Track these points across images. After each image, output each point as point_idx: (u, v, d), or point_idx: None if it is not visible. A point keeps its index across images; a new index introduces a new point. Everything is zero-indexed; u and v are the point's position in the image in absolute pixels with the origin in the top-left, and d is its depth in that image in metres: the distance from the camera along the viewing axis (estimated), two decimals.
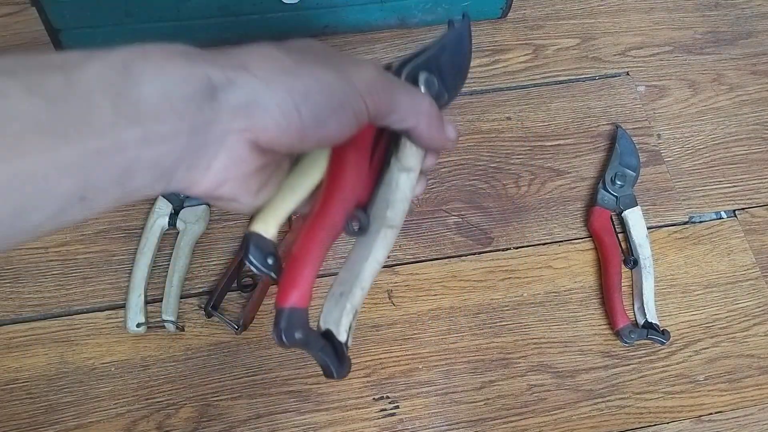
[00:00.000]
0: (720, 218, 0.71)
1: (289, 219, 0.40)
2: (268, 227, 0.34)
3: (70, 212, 0.26)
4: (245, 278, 0.64)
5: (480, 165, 0.71)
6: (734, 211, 0.71)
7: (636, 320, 0.65)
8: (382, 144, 0.37)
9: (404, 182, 0.37)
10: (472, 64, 0.79)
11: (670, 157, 0.73)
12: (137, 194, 0.28)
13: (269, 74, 0.29)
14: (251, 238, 0.33)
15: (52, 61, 0.26)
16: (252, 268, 0.33)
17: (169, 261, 0.63)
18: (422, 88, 0.38)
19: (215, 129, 0.28)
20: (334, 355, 0.35)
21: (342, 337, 0.35)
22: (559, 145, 0.73)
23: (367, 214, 0.36)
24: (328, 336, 0.35)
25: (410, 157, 0.38)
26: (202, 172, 0.29)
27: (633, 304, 0.66)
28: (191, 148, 0.28)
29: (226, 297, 0.63)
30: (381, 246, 0.36)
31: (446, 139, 0.39)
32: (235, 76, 0.29)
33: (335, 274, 0.39)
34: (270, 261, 0.34)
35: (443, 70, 0.39)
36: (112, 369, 0.60)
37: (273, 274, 0.34)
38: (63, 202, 0.26)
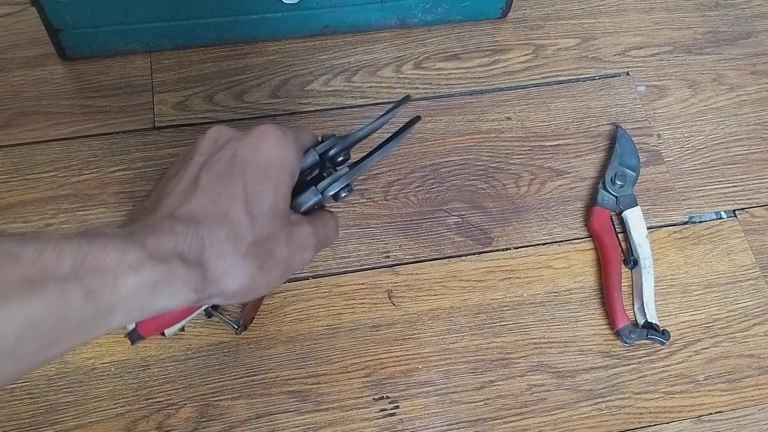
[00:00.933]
0: (720, 218, 0.71)
1: None
2: None
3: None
4: None
5: (480, 165, 0.71)
6: (734, 211, 0.71)
7: (636, 320, 0.65)
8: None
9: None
10: (472, 63, 0.80)
11: (670, 157, 0.73)
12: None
13: (234, 291, 0.39)
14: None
15: (110, 263, 0.32)
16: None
17: None
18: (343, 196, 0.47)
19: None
20: None
21: None
22: (559, 145, 0.73)
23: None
24: None
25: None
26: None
27: (633, 304, 0.66)
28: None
29: None
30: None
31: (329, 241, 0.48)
32: (216, 290, 0.39)
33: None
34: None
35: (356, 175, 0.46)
36: (112, 369, 0.60)
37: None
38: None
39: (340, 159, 0.46)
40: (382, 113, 0.46)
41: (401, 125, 0.47)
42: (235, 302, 0.41)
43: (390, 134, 0.47)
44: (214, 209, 0.38)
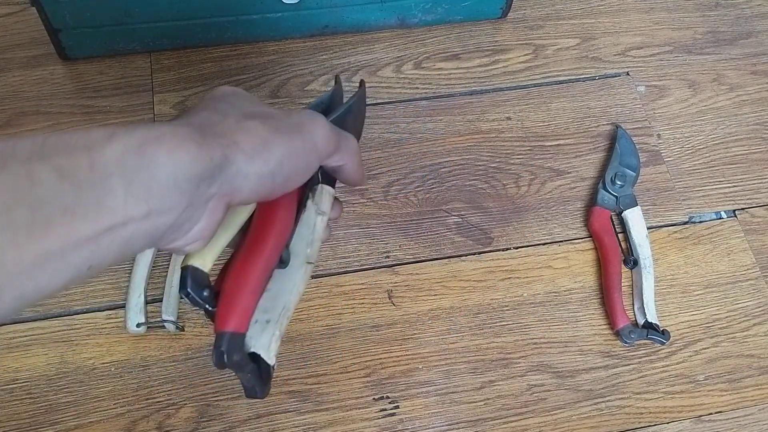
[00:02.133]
0: (720, 218, 0.71)
1: None
2: (205, 261, 0.36)
3: (77, 280, 0.29)
4: None
5: (480, 165, 0.71)
6: (734, 211, 0.71)
7: (636, 320, 0.65)
8: (300, 188, 0.40)
9: (320, 224, 0.41)
10: (472, 63, 0.80)
11: (670, 157, 0.73)
12: (127, 257, 0.33)
13: (252, 147, 0.33)
14: (189, 271, 0.35)
15: (78, 141, 0.28)
16: (188, 300, 0.35)
17: (169, 261, 0.63)
18: None
19: (206, 199, 0.32)
20: (259, 377, 0.39)
21: (271, 360, 0.38)
22: (559, 145, 0.73)
23: (288, 251, 0.39)
24: (255, 359, 0.38)
25: (326, 202, 0.42)
26: (182, 234, 0.32)
27: (633, 304, 0.66)
28: (183, 218, 0.31)
29: None
30: (302, 280, 0.40)
31: (364, 177, 0.44)
32: (230, 153, 0.32)
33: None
34: (206, 293, 0.36)
35: (349, 129, 0.43)
36: (112, 369, 0.60)
37: (209, 306, 0.36)
38: (75, 272, 0.29)
39: None
40: (327, 92, 0.47)
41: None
42: (258, 173, 0.34)
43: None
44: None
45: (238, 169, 0.32)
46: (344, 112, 0.44)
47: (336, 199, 0.44)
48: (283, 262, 0.39)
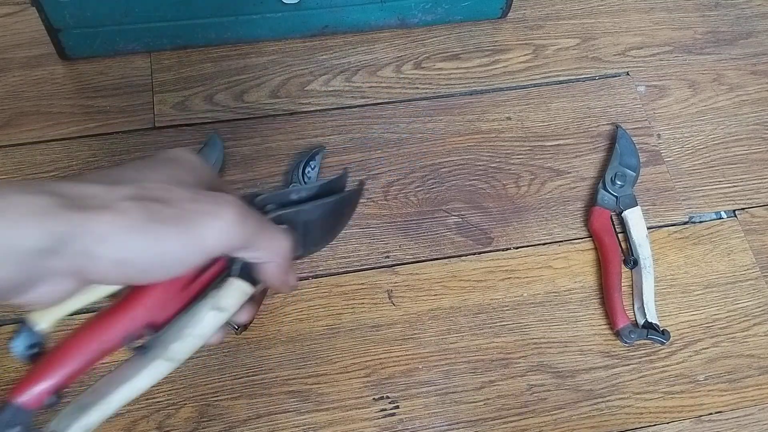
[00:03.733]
0: (720, 218, 0.71)
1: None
2: (42, 320, 0.35)
3: None
4: None
5: (480, 165, 0.71)
6: (734, 211, 0.71)
7: (636, 320, 0.65)
8: (211, 272, 0.37)
9: (209, 320, 0.36)
10: (472, 63, 0.80)
11: (670, 157, 0.73)
12: None
13: (110, 230, 0.31)
14: (22, 324, 0.34)
15: None
16: (12, 351, 0.34)
17: None
18: None
19: (51, 272, 0.31)
20: None
21: None
22: (559, 145, 0.73)
23: (155, 336, 0.36)
24: None
25: (229, 298, 0.36)
26: (23, 296, 0.32)
27: (633, 304, 0.66)
28: (22, 284, 0.31)
29: None
30: (147, 375, 0.36)
31: (287, 284, 0.40)
32: (81, 232, 0.31)
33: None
34: (30, 352, 0.34)
35: (310, 231, 0.39)
36: (112, 368, 0.60)
37: (29, 364, 0.34)
38: None
39: (268, 208, 0.39)
40: (323, 181, 0.40)
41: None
42: (114, 274, 0.32)
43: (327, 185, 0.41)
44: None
45: (84, 248, 0.31)
46: (298, 210, 0.38)
47: (253, 299, 0.39)
48: (142, 348, 0.35)
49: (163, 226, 0.32)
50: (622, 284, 0.66)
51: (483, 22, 0.79)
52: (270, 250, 0.37)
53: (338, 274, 0.65)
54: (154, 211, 0.32)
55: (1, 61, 0.73)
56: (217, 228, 0.34)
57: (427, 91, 0.75)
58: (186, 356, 0.36)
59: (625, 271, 0.67)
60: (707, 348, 0.65)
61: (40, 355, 0.34)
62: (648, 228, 0.68)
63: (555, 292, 0.66)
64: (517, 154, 0.72)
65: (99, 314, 0.35)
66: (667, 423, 0.62)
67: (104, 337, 0.35)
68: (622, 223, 0.69)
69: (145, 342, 0.35)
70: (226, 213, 0.34)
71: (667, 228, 0.70)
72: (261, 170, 0.69)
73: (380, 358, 0.62)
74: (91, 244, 0.31)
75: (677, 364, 0.64)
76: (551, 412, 0.61)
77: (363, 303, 0.64)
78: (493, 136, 0.73)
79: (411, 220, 0.68)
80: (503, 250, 0.68)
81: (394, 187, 0.69)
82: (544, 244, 0.68)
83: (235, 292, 0.37)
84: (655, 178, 0.72)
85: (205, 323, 0.36)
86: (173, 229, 0.33)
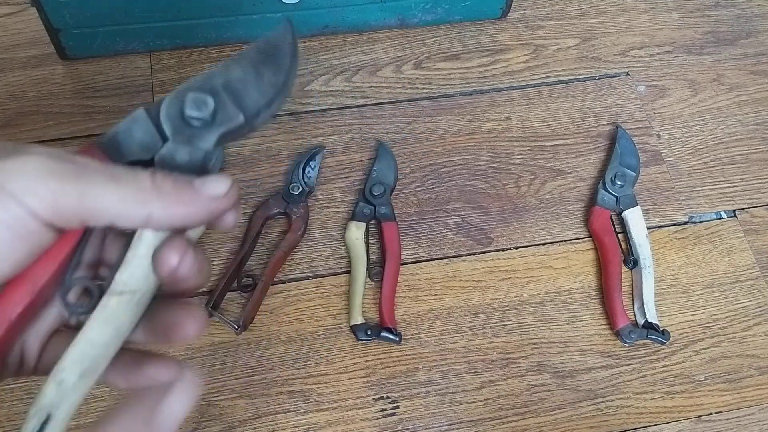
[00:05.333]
0: (720, 218, 0.71)
1: None
2: None
3: None
4: (245, 278, 0.64)
5: (480, 165, 0.71)
6: (734, 211, 0.71)
7: (636, 320, 0.65)
8: None
9: (148, 238, 0.29)
10: (472, 63, 0.79)
11: (670, 157, 0.73)
12: None
13: None
14: None
15: None
16: None
17: None
18: (189, 111, 0.30)
19: None
20: None
21: None
22: (559, 145, 0.73)
23: (99, 283, 0.29)
24: None
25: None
26: None
27: (633, 304, 0.66)
28: None
29: (226, 297, 0.63)
30: (97, 321, 0.28)
31: (207, 203, 0.29)
32: None
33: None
34: None
35: (234, 86, 0.32)
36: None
37: None
38: None
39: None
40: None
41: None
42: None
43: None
44: None
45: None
46: (207, 73, 0.32)
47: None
48: (90, 295, 0.29)
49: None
50: (622, 284, 0.66)
51: (483, 22, 0.79)
52: (138, 198, 0.27)
53: (338, 274, 0.65)
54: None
55: (1, 61, 0.73)
56: (16, 174, 0.26)
57: (427, 91, 0.75)
58: (143, 284, 0.29)
59: (625, 271, 0.67)
60: (707, 348, 0.65)
61: None
62: (648, 228, 0.68)
63: (555, 292, 0.66)
64: (517, 154, 0.72)
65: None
66: (667, 423, 0.62)
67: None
68: (622, 223, 0.69)
69: (91, 292, 0.29)
70: (26, 157, 0.26)
71: (667, 228, 0.70)
72: (261, 170, 0.69)
73: (380, 358, 0.62)
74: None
75: (677, 364, 0.64)
76: (551, 412, 0.61)
77: (363, 303, 0.64)
78: (493, 136, 0.73)
79: (411, 220, 0.68)
80: (503, 250, 0.68)
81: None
82: (544, 244, 0.68)
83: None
84: (655, 178, 0.72)
85: (144, 241, 0.28)
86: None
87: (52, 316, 0.30)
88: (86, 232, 0.29)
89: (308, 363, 0.61)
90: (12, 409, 0.58)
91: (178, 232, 0.29)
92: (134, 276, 0.28)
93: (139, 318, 0.29)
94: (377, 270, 0.65)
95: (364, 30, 0.77)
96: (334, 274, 0.65)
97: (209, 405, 0.59)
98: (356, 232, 0.65)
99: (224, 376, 0.60)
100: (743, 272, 0.68)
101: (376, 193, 0.67)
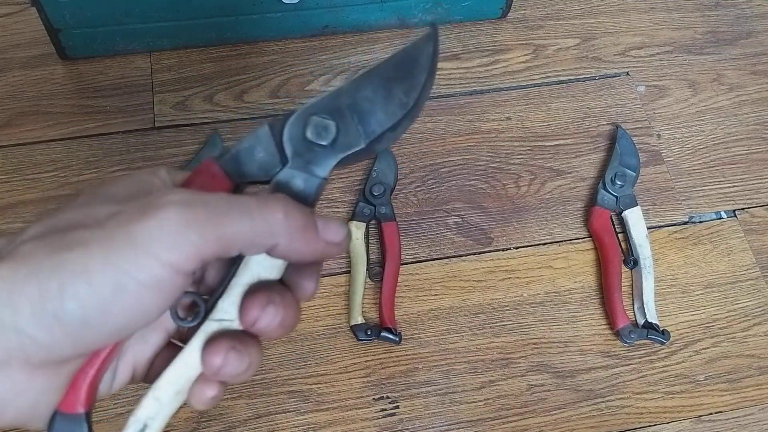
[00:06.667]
0: (720, 218, 0.71)
1: None
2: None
3: None
4: None
5: (480, 165, 0.71)
6: (734, 211, 0.71)
7: (636, 320, 0.65)
8: None
9: (252, 269, 0.30)
10: (472, 63, 0.79)
11: (670, 157, 0.73)
12: None
13: (18, 277, 0.25)
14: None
15: None
16: None
17: None
18: (311, 137, 0.30)
19: None
20: None
21: None
22: (559, 145, 0.73)
23: (205, 297, 0.30)
24: None
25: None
26: None
27: (633, 304, 0.66)
28: None
29: None
30: (193, 347, 0.29)
31: (324, 246, 0.30)
32: None
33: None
34: None
35: (361, 106, 0.30)
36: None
37: None
38: None
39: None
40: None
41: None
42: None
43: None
44: None
45: (2, 320, 0.24)
46: (333, 93, 0.30)
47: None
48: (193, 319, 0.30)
49: (76, 253, 0.25)
50: (622, 284, 0.66)
51: (483, 22, 0.79)
52: (255, 235, 0.28)
53: (338, 274, 0.65)
54: (57, 241, 0.25)
55: (1, 61, 0.73)
56: (157, 232, 0.25)
57: None
58: (236, 314, 0.30)
59: (625, 271, 0.67)
60: (707, 348, 0.65)
61: None
62: (648, 228, 0.68)
63: (555, 292, 0.66)
64: (517, 154, 0.72)
65: None
66: (667, 423, 0.62)
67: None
68: (622, 223, 0.69)
69: (196, 309, 0.30)
70: (162, 213, 0.26)
71: (667, 228, 0.70)
72: None
73: (380, 358, 0.62)
74: (4, 312, 0.24)
75: (677, 364, 0.64)
76: (551, 412, 0.61)
77: (363, 303, 0.64)
78: (493, 136, 0.73)
79: (411, 220, 0.68)
80: (503, 250, 0.67)
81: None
82: (544, 244, 0.68)
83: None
84: (655, 178, 0.72)
85: (253, 268, 0.29)
86: (94, 251, 0.25)
87: (159, 332, 0.32)
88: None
89: (308, 363, 0.61)
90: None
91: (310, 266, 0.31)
92: (234, 305, 0.29)
93: None
94: (377, 270, 0.65)
95: (364, 30, 0.77)
96: (334, 274, 0.65)
97: None
98: (356, 232, 0.65)
99: None
100: (743, 272, 0.68)
101: (376, 193, 0.67)
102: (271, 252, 0.29)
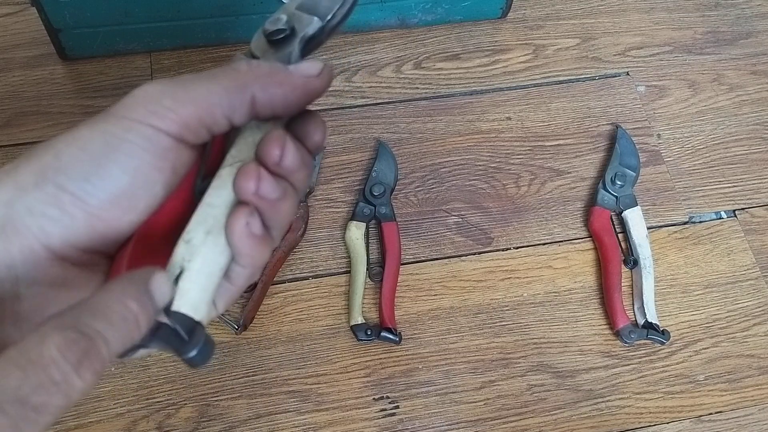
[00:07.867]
0: (720, 218, 0.71)
1: None
2: None
3: None
4: None
5: (480, 165, 0.71)
6: (734, 211, 0.71)
7: (636, 320, 0.65)
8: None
9: (252, 125, 0.31)
10: (472, 63, 0.79)
11: (670, 157, 0.73)
12: None
13: (30, 176, 0.27)
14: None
15: None
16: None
17: None
18: (268, 26, 0.32)
19: None
20: (178, 338, 0.29)
21: (193, 311, 0.29)
22: (559, 145, 0.73)
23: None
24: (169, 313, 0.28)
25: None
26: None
27: (633, 304, 0.66)
28: None
29: None
30: (213, 188, 0.30)
31: (304, 82, 0.31)
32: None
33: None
34: None
35: (306, 3, 0.33)
36: (112, 369, 0.60)
37: None
38: None
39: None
40: None
41: None
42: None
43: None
44: None
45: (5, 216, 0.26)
46: None
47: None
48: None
49: (66, 134, 0.28)
50: (622, 284, 0.66)
51: (483, 22, 0.79)
52: (237, 83, 0.29)
53: (338, 274, 0.65)
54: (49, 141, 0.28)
55: (1, 61, 0.73)
56: (132, 100, 0.30)
57: (427, 91, 0.75)
58: (246, 156, 0.30)
59: (625, 271, 0.67)
60: (707, 348, 0.65)
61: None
62: (648, 228, 0.68)
63: (555, 292, 0.66)
64: (517, 154, 0.72)
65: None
66: (667, 423, 0.62)
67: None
68: (622, 223, 0.69)
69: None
70: (137, 90, 0.30)
71: (667, 228, 0.70)
72: None
73: (380, 358, 0.62)
74: (13, 194, 0.27)
75: (677, 364, 0.64)
76: (551, 412, 0.61)
77: (363, 303, 0.64)
78: (493, 136, 0.73)
79: (411, 220, 0.68)
80: (503, 250, 0.68)
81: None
82: (544, 244, 0.68)
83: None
84: (655, 178, 0.72)
85: (248, 127, 0.31)
86: (81, 126, 0.28)
87: None
88: (206, 145, 0.31)
89: (308, 363, 0.61)
90: None
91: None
92: (242, 151, 0.31)
93: None
94: (377, 270, 0.65)
95: (364, 30, 0.77)
96: (334, 274, 0.65)
97: (209, 405, 0.59)
98: (356, 232, 0.65)
99: (224, 376, 0.60)
100: (743, 272, 0.68)
101: (376, 193, 0.67)
102: (256, 113, 0.30)
